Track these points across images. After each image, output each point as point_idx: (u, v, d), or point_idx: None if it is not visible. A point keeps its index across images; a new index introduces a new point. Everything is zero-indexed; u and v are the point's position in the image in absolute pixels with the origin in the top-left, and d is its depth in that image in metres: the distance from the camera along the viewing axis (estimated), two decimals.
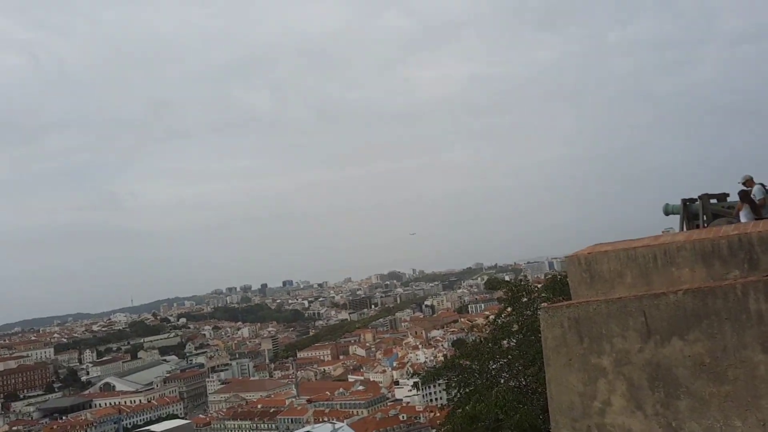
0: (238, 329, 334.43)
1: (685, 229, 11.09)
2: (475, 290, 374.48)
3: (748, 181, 10.85)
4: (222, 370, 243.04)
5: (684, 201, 11.63)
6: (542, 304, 13.29)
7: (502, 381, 16.32)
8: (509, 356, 16.43)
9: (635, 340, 6.39)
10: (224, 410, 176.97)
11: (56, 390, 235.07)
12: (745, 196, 10.46)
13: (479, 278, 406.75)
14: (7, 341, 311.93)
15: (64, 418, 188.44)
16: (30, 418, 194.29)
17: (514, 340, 17.05)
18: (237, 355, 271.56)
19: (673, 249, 6.79)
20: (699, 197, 11.48)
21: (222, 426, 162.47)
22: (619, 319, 6.48)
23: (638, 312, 6.35)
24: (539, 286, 18.35)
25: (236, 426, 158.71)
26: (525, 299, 17.53)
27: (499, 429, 13.14)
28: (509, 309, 17.67)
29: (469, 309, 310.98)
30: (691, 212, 11.48)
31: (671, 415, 6.16)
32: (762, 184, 10.86)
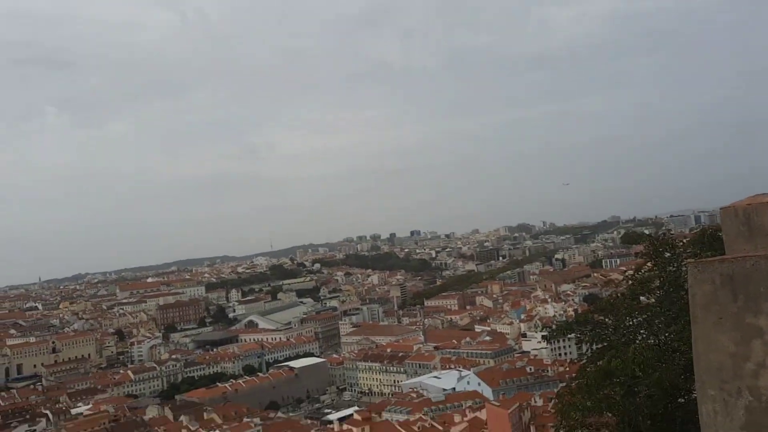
0: (368, 276, 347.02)
1: None
2: (611, 244, 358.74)
3: None
4: (353, 314, 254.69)
5: None
6: (688, 260, 12.48)
7: (639, 338, 15.69)
8: (648, 313, 15.68)
9: None
10: (356, 351, 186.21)
11: (207, 324, 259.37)
12: None
13: (615, 232, 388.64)
14: (166, 279, 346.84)
15: (214, 349, 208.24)
16: (186, 348, 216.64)
17: (654, 297, 16.23)
18: (367, 301, 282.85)
19: None
20: None
21: (354, 366, 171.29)
22: None
23: None
24: (684, 240, 17.18)
25: (367, 367, 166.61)
26: (668, 254, 16.53)
27: (635, 386, 12.72)
28: (650, 264, 16.78)
29: (603, 264, 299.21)
30: None
31: None
32: None
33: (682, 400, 13.56)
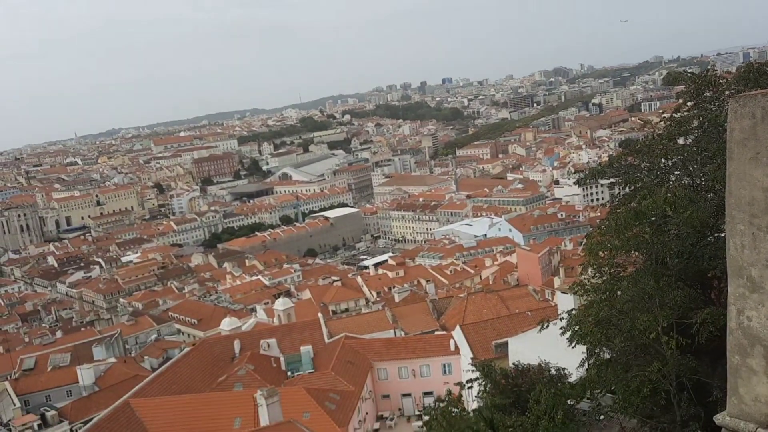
0: (399, 126, 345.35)
1: None
2: (651, 87, 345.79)
3: None
4: (385, 165, 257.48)
5: None
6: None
7: (673, 178, 15.61)
8: (684, 153, 15.45)
9: None
10: (389, 201, 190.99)
11: (242, 177, 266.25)
12: None
13: (657, 73, 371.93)
14: (199, 132, 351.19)
15: (251, 201, 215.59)
16: (224, 200, 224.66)
17: (692, 137, 15.90)
18: (399, 152, 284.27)
19: None
20: None
21: (387, 215, 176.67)
22: None
23: None
24: (728, 78, 16.41)
25: (400, 216, 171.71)
26: (709, 93, 15.91)
27: (665, 225, 12.89)
28: (690, 104, 16.24)
29: (642, 107, 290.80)
30: None
31: None
32: None
33: (711, 239, 13.77)
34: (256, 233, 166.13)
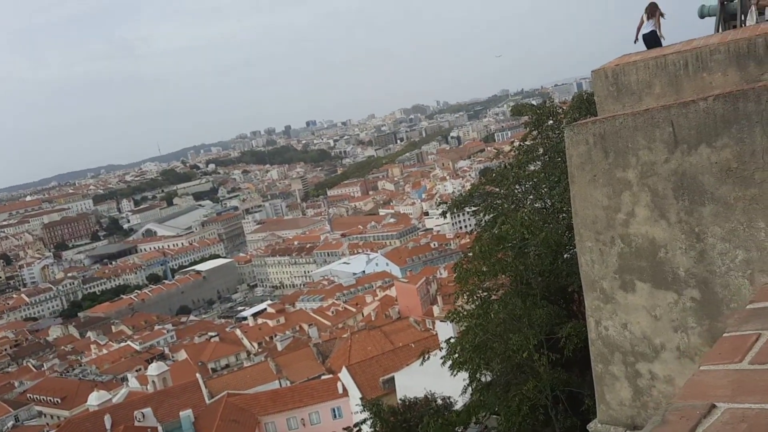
0: (267, 171, 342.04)
1: (721, 30, 10.44)
2: (501, 118, 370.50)
3: None
4: (256, 212, 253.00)
5: (721, 0, 10.78)
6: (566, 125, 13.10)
7: (527, 203, 16.68)
8: (534, 179, 16.61)
9: (661, 151, 6.33)
10: (263, 248, 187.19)
11: (101, 238, 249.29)
12: None
13: (505, 105, 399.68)
14: (47, 195, 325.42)
15: (113, 262, 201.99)
16: (82, 265, 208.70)
17: (540, 163, 17.12)
18: (269, 197, 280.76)
19: (706, 53, 6.46)
20: None
21: (262, 262, 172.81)
22: (646, 131, 6.38)
23: (666, 122, 6.22)
24: (565, 107, 18.00)
25: (275, 261, 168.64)
26: (550, 122, 17.29)
27: (525, 247, 13.68)
28: (534, 133, 17.54)
29: (496, 137, 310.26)
30: (728, 12, 10.70)
31: (694, 221, 6.26)
32: None
33: (567, 256, 14.77)
34: (122, 296, 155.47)
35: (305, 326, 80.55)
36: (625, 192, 6.74)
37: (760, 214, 5.76)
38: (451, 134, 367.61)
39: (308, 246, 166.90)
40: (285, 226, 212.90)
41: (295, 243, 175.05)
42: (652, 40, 8.75)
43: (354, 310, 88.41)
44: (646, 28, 8.75)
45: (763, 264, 5.84)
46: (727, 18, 10.76)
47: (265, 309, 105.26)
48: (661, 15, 8.92)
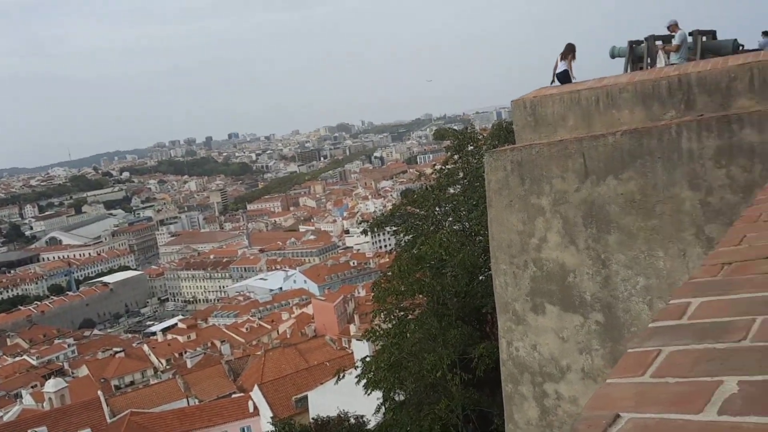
0: (185, 183, 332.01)
1: (629, 71, 11.23)
2: (424, 141, 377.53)
3: (673, 26, 11.09)
4: (171, 223, 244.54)
5: (630, 43, 11.67)
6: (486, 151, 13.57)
7: (446, 225, 17.08)
8: (454, 202, 17.05)
9: (573, 180, 6.65)
10: (176, 261, 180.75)
11: (0, 245, 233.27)
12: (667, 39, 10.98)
13: (428, 129, 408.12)
14: None
15: (12, 271, 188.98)
16: None
17: (459, 187, 17.60)
18: (186, 209, 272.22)
19: (616, 91, 6.89)
20: (645, 39, 11.56)
21: (175, 276, 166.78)
22: (560, 161, 6.70)
23: (578, 153, 6.55)
24: (485, 134, 18.65)
25: (189, 275, 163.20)
26: (471, 147, 17.84)
27: (442, 268, 13.98)
28: (455, 157, 18.04)
29: (418, 160, 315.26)
30: (636, 55, 11.57)
31: (601, 248, 6.61)
32: (698, 32, 11.16)
33: (483, 277, 15.18)
34: (20, 307, 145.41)
35: (217, 343, 78.21)
36: (539, 218, 7.04)
37: (660, 244, 6.16)
38: (375, 154, 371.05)
39: (224, 260, 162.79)
40: (201, 240, 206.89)
41: (211, 257, 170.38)
42: (566, 79, 9.43)
43: (269, 327, 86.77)
44: (560, 68, 9.56)
45: (661, 291, 6.24)
46: (636, 60, 11.58)
47: (176, 324, 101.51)
48: (573, 58, 9.79)
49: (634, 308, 6.49)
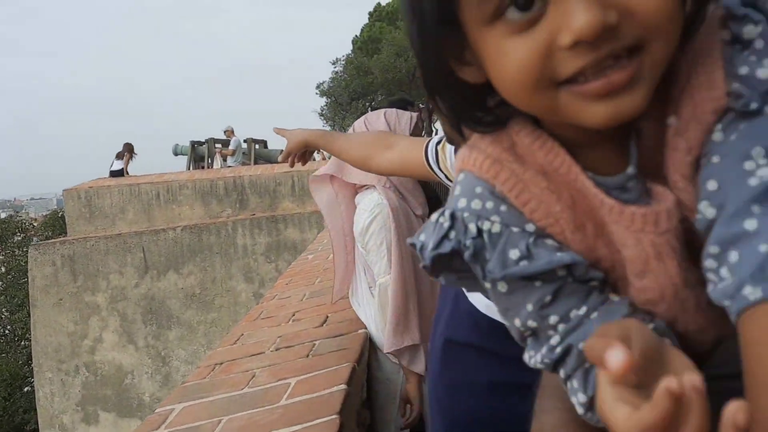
0: None
1: (191, 169, 11.71)
2: None
3: (229, 132, 12.39)
4: None
5: (192, 143, 12.30)
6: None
7: None
8: None
9: (133, 275, 6.41)
10: None
11: None
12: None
13: None
14: None
15: None
16: None
17: (2, 284, 15.10)
18: None
19: (176, 187, 7.02)
20: (206, 140, 12.37)
21: None
22: (118, 255, 6.39)
23: (137, 247, 6.36)
24: (35, 224, 16.63)
25: None
26: (19, 238, 15.65)
27: None
28: None
29: None
30: (198, 154, 12.23)
31: (161, 345, 6.43)
32: (252, 139, 12.64)
33: (29, 389, 13.07)
34: None
35: None
36: (93, 317, 6.49)
37: (218, 335, 6.32)
38: None
39: None
40: None
41: None
42: (120, 176, 9.48)
43: None
44: (116, 166, 9.54)
45: None
46: (197, 159, 12.18)
47: None
48: (131, 156, 9.97)
49: None
